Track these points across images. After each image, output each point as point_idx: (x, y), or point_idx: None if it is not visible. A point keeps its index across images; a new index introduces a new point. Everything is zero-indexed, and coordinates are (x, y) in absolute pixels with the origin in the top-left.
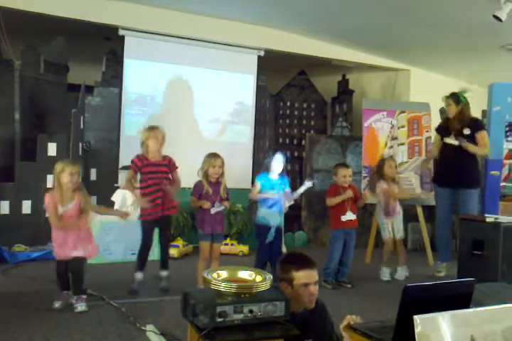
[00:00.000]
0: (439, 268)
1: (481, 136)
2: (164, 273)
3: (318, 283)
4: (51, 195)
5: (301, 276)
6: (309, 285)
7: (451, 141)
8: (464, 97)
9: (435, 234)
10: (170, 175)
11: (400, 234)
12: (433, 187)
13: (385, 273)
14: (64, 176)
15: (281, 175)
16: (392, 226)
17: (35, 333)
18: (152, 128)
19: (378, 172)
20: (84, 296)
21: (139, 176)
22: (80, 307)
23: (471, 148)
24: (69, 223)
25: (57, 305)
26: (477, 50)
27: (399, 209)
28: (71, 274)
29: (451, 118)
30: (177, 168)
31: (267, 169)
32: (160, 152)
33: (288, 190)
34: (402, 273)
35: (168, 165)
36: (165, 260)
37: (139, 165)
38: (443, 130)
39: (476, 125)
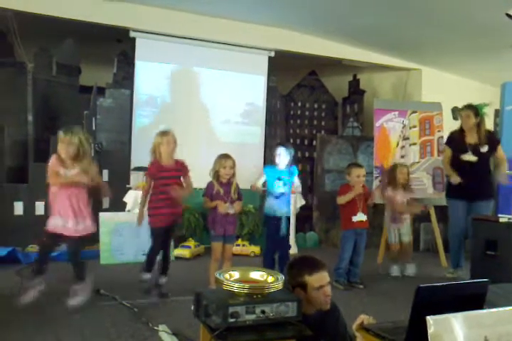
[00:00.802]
0: (450, 270)
1: (500, 150)
2: (163, 279)
3: (330, 284)
4: (54, 158)
5: (314, 280)
6: (323, 287)
7: (470, 157)
8: (483, 111)
9: (448, 239)
10: (182, 180)
11: (406, 238)
12: (447, 201)
13: (395, 270)
14: (60, 147)
15: (289, 166)
16: (399, 232)
17: (48, 333)
18: (164, 133)
19: (390, 178)
20: (82, 286)
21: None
22: (74, 301)
23: (503, 177)
24: (69, 179)
25: (27, 297)
26: (489, 50)
27: (405, 217)
28: (68, 255)
29: (467, 131)
30: (189, 171)
31: (273, 161)
32: (172, 156)
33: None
34: (411, 270)
35: (182, 170)
36: (165, 266)
37: (154, 172)
38: (456, 144)
39: (493, 140)
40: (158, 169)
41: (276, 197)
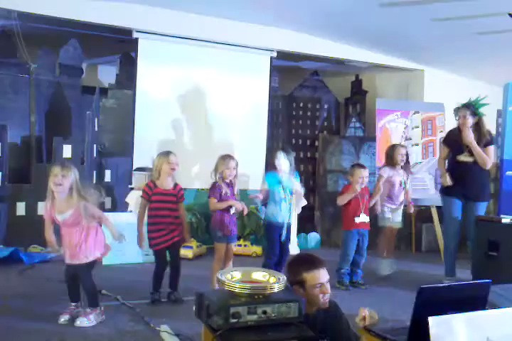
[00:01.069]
0: (446, 280)
1: (489, 149)
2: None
3: (332, 284)
4: (46, 203)
5: (312, 277)
6: (322, 285)
7: (466, 158)
8: (481, 111)
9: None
10: (177, 206)
11: (397, 224)
12: (441, 198)
13: (385, 267)
14: (50, 179)
15: (290, 171)
16: (392, 216)
17: (51, 333)
18: (166, 154)
19: (388, 158)
20: (95, 310)
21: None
22: (79, 321)
23: (477, 149)
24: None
25: (63, 319)
26: (492, 50)
27: (402, 198)
28: (81, 282)
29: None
30: (183, 200)
31: (274, 167)
32: (173, 177)
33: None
34: (386, 266)
35: (176, 195)
36: (174, 283)
37: (150, 194)
38: (453, 143)
39: (488, 140)
40: (154, 192)
41: (277, 204)
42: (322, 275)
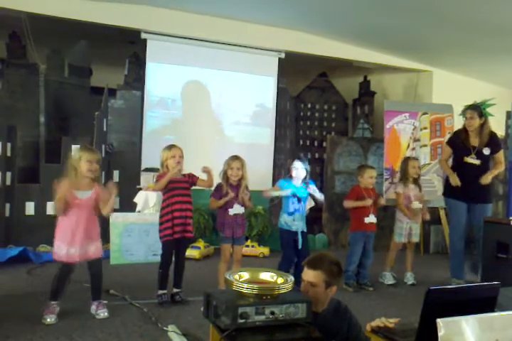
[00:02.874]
0: (452, 283)
1: (500, 154)
2: (177, 290)
3: (339, 286)
4: (66, 182)
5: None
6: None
7: (473, 161)
8: (488, 112)
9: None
10: (190, 192)
11: (415, 238)
12: (446, 200)
13: (389, 278)
14: (82, 164)
15: (305, 180)
16: (410, 230)
17: (60, 332)
18: (169, 148)
19: (402, 172)
20: (105, 301)
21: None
22: (103, 313)
23: (493, 175)
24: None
25: (49, 319)
26: (501, 51)
27: (419, 212)
28: (91, 277)
29: (470, 132)
30: (197, 177)
31: (290, 175)
32: (180, 169)
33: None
34: (410, 277)
35: (189, 182)
36: (178, 280)
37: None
38: (459, 145)
39: (496, 143)
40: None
41: (290, 214)
42: (305, 274)
